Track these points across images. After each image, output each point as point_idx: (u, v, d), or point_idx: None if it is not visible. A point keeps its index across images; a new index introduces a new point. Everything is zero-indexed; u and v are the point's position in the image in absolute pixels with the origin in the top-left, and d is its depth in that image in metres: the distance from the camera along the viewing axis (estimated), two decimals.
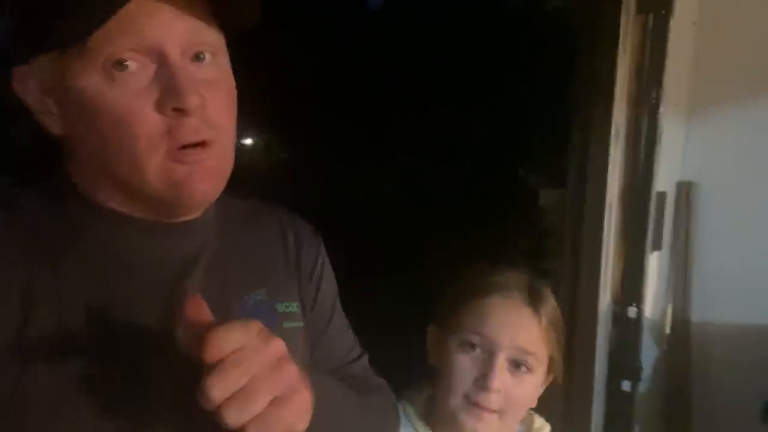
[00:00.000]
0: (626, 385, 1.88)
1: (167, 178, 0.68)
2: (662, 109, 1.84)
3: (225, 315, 0.73)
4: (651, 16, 1.78)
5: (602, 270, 1.86)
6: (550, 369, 1.01)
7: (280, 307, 0.82)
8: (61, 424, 0.64)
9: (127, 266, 0.72)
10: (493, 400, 0.95)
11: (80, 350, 0.66)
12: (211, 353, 0.55)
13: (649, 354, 2.07)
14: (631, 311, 1.87)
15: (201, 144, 0.69)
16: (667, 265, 2.09)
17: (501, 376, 0.94)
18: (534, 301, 0.98)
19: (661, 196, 1.93)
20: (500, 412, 0.96)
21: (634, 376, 1.87)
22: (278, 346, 0.61)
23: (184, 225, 0.76)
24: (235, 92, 0.75)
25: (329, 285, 0.94)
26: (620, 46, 1.79)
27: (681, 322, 2.06)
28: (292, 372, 0.61)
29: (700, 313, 2.06)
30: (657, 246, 1.96)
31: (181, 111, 0.66)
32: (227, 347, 0.56)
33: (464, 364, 0.96)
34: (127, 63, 0.65)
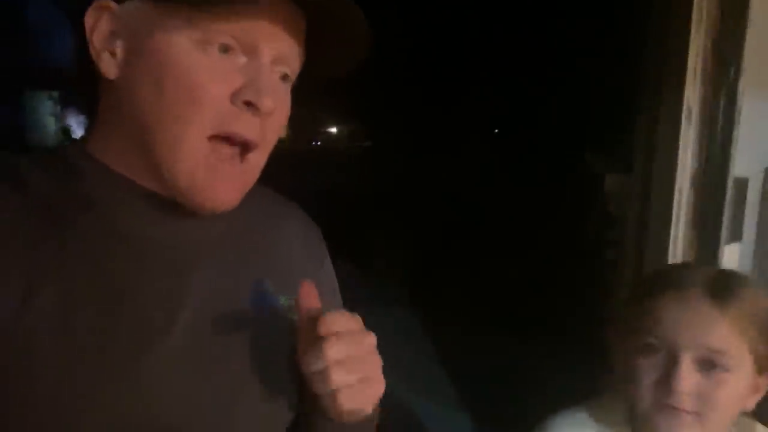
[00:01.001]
0: None
1: (198, 170, 0.69)
2: (743, 88, 1.67)
3: (231, 302, 0.77)
4: None
5: (670, 261, 1.73)
6: (758, 368, 0.91)
7: (285, 300, 0.82)
8: (65, 399, 0.64)
9: (138, 243, 0.72)
10: (683, 400, 0.88)
11: (84, 325, 0.66)
12: (326, 327, 0.67)
13: None
14: None
15: (246, 145, 0.71)
16: (750, 258, 1.91)
17: (689, 378, 0.88)
18: (717, 293, 0.90)
19: (742, 182, 1.76)
20: (699, 415, 0.89)
21: None
22: (373, 338, 0.71)
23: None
24: (286, 122, 0.79)
25: (332, 281, 0.96)
26: (694, 17, 1.64)
27: None
28: (379, 361, 0.71)
29: None
30: (735, 237, 1.80)
31: (252, 107, 0.69)
32: (337, 326, 0.67)
33: (646, 368, 0.91)
34: (224, 45, 0.68)
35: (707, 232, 1.72)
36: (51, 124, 19.08)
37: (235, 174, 0.72)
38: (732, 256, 1.83)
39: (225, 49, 0.68)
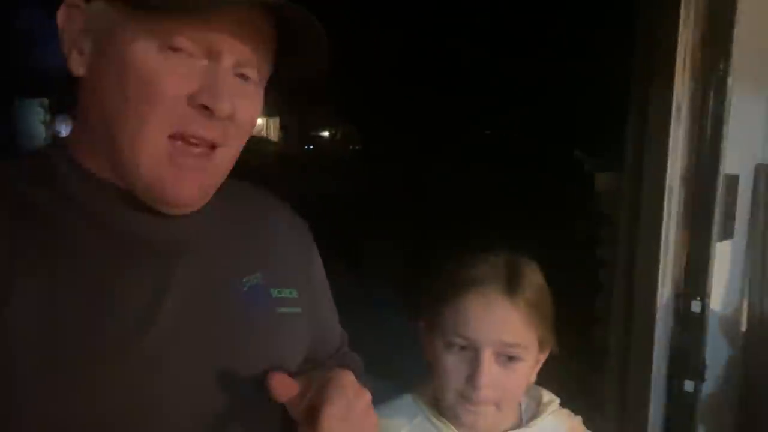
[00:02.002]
0: (689, 386, 1.72)
1: (158, 165, 0.70)
2: (733, 84, 1.66)
3: (219, 296, 0.76)
4: None
5: (661, 259, 1.72)
6: (541, 348, 0.99)
7: (275, 293, 0.82)
8: (51, 391, 0.64)
9: (120, 240, 0.72)
10: (483, 395, 0.94)
11: (68, 320, 0.66)
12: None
13: (721, 353, 1.90)
14: (695, 305, 1.71)
15: (207, 145, 0.71)
16: (743, 256, 1.91)
17: (489, 373, 0.93)
18: (511, 289, 0.95)
19: (732, 179, 1.76)
20: (496, 403, 0.96)
21: (698, 376, 1.72)
22: (367, 397, 0.73)
23: None
24: (255, 123, 0.79)
25: (321, 275, 0.96)
26: (682, 13, 1.63)
27: (758, 319, 1.88)
28: (373, 418, 0.74)
29: None
30: (727, 234, 1.79)
31: (208, 111, 0.69)
32: (337, 424, 0.68)
33: (452, 364, 0.96)
34: (183, 48, 0.69)
35: (699, 230, 1.71)
36: (41, 132, 19.02)
37: (196, 171, 0.72)
38: (724, 254, 1.82)
39: (183, 52, 0.69)
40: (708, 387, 1.80)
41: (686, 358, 1.74)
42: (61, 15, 0.72)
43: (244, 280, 0.79)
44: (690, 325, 1.73)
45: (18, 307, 0.64)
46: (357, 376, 0.94)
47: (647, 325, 1.75)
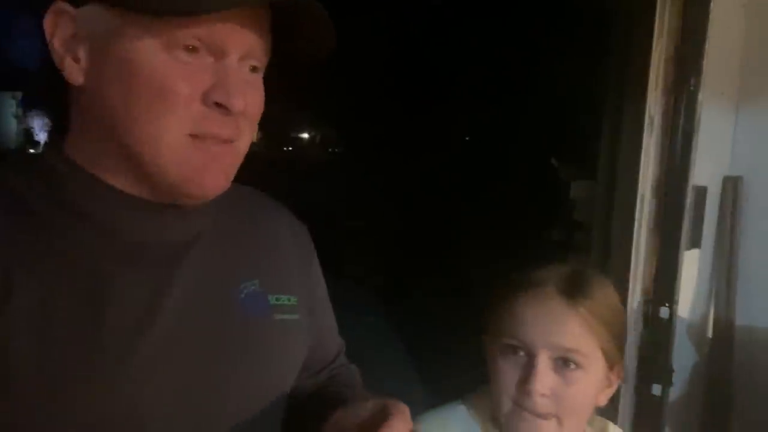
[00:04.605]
0: (656, 389, 1.77)
1: (183, 162, 0.69)
2: (703, 98, 1.73)
3: (217, 302, 0.76)
4: None
5: (632, 266, 1.77)
6: (609, 364, 0.92)
7: (273, 300, 0.81)
8: (48, 394, 0.64)
9: (119, 243, 0.71)
10: (539, 404, 0.88)
11: (63, 328, 0.65)
12: None
13: (687, 358, 1.96)
14: (664, 311, 1.77)
15: (225, 141, 0.71)
16: (710, 265, 1.98)
17: (544, 379, 0.88)
18: (569, 292, 0.90)
19: (700, 190, 1.82)
20: (556, 416, 0.89)
21: (665, 380, 1.77)
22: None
23: (177, 207, 0.75)
24: (262, 109, 0.79)
25: (321, 281, 0.95)
26: (656, 30, 1.69)
27: (724, 326, 1.94)
28: None
29: (745, 316, 1.94)
30: (695, 243, 1.85)
31: (222, 108, 0.69)
32: None
33: (507, 370, 0.91)
34: (191, 47, 0.68)
35: (668, 239, 1.77)
36: (12, 125, 18.64)
37: (219, 159, 0.72)
38: (691, 262, 1.88)
39: (191, 50, 0.68)
40: (674, 391, 1.85)
41: (654, 362, 1.79)
42: (48, 22, 0.69)
43: (241, 286, 0.79)
44: (658, 331, 1.78)
45: (17, 308, 0.64)
46: (358, 391, 0.95)
47: None
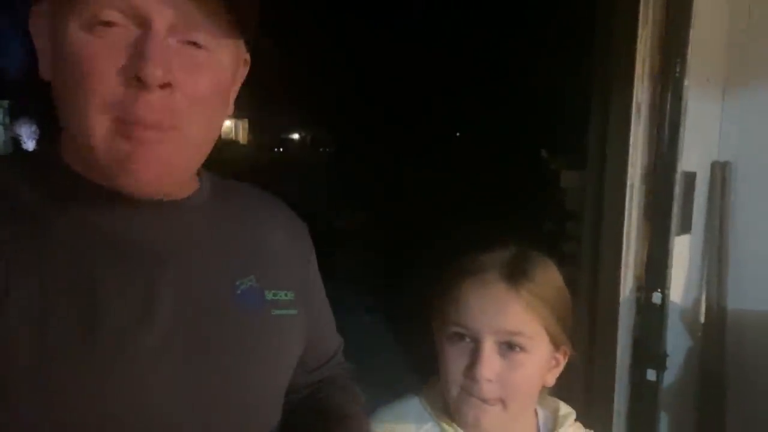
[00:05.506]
0: (651, 374, 1.79)
1: (112, 151, 0.65)
2: (690, 85, 1.74)
3: (212, 298, 0.75)
4: None
5: (624, 253, 1.79)
6: (554, 344, 0.92)
7: (269, 295, 0.80)
8: (45, 394, 0.63)
9: (112, 242, 0.70)
10: (485, 389, 0.88)
11: (60, 325, 0.65)
12: None
13: (681, 343, 1.98)
14: (656, 297, 1.79)
15: (154, 126, 0.65)
16: (701, 250, 2.00)
17: (490, 364, 0.87)
18: (511, 276, 0.89)
19: (689, 176, 1.83)
20: (502, 400, 0.90)
21: (659, 365, 1.79)
22: None
23: (171, 204, 0.74)
24: (226, 94, 0.72)
25: (318, 279, 0.94)
26: (641, 18, 1.70)
27: (716, 310, 1.96)
28: None
29: (736, 300, 1.96)
30: (685, 229, 1.87)
31: (141, 82, 0.63)
32: None
33: (454, 357, 0.91)
34: (110, 21, 0.64)
35: (658, 225, 1.78)
36: (0, 133, 18.52)
37: (150, 147, 0.66)
38: (682, 247, 1.90)
39: (113, 26, 0.64)
40: (669, 376, 1.87)
41: (648, 348, 1.81)
42: (31, 23, 0.70)
43: (237, 282, 0.78)
44: (651, 317, 1.80)
45: (13, 306, 0.63)
46: (353, 389, 0.95)
47: (611, 316, 1.82)
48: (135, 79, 0.63)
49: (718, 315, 1.96)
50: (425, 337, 0.99)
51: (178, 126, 0.66)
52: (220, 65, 0.70)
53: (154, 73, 0.62)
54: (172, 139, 0.67)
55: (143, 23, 0.64)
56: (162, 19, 0.64)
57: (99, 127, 0.64)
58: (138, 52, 0.63)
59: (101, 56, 0.63)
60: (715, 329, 1.97)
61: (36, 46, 0.71)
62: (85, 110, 0.64)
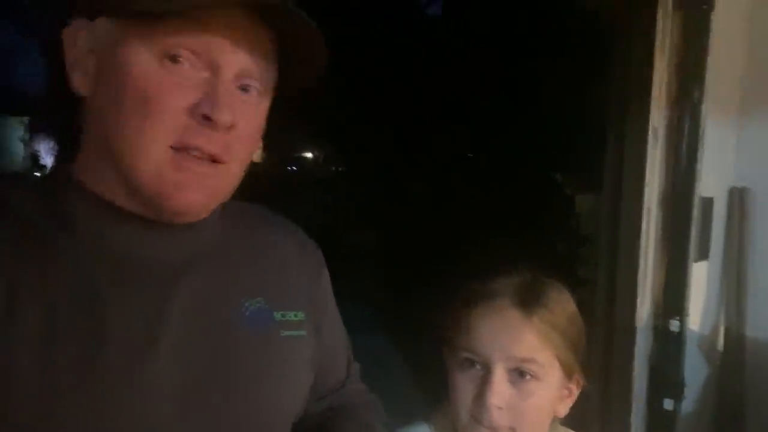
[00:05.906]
0: (668, 404, 1.76)
1: (162, 178, 0.69)
2: (707, 110, 1.73)
3: (220, 320, 0.75)
4: (690, 12, 1.67)
5: (640, 279, 1.76)
6: (566, 373, 0.90)
7: (278, 316, 0.81)
8: (49, 418, 0.63)
9: (120, 262, 0.71)
10: (495, 417, 0.86)
11: (65, 348, 0.65)
12: None
13: (699, 372, 1.94)
14: (674, 324, 1.76)
15: (210, 158, 0.70)
16: (719, 276, 1.96)
17: (500, 392, 0.86)
18: (524, 302, 0.88)
19: (707, 201, 1.81)
20: (512, 429, 0.88)
21: (677, 395, 1.75)
22: None
23: (185, 225, 0.75)
24: (260, 135, 0.77)
25: (330, 300, 0.94)
26: (657, 44, 1.70)
27: (735, 338, 1.93)
28: None
29: (755, 328, 1.92)
30: (703, 255, 1.84)
31: (209, 121, 0.68)
32: None
33: (463, 384, 0.89)
34: (182, 60, 0.68)
35: (676, 251, 1.76)
36: (20, 150, 18.83)
37: (200, 178, 0.70)
38: (701, 274, 1.87)
39: (183, 62, 0.68)
40: (687, 405, 1.83)
41: (665, 376, 1.78)
42: (67, 36, 0.72)
43: (246, 303, 0.78)
44: (669, 344, 1.77)
45: (21, 325, 0.64)
46: (379, 421, 0.92)
47: (627, 343, 1.79)
48: (202, 117, 0.68)
49: (736, 343, 1.92)
50: (436, 360, 0.98)
51: (228, 161, 0.71)
52: (264, 108, 0.76)
53: (225, 118, 0.68)
54: (220, 172, 0.71)
55: (212, 66, 0.69)
56: (230, 67, 0.70)
57: (155, 151, 0.68)
58: (208, 95, 0.68)
59: (172, 91, 0.68)
60: (733, 357, 1.93)
61: (67, 58, 0.72)
62: (143, 134, 0.68)
